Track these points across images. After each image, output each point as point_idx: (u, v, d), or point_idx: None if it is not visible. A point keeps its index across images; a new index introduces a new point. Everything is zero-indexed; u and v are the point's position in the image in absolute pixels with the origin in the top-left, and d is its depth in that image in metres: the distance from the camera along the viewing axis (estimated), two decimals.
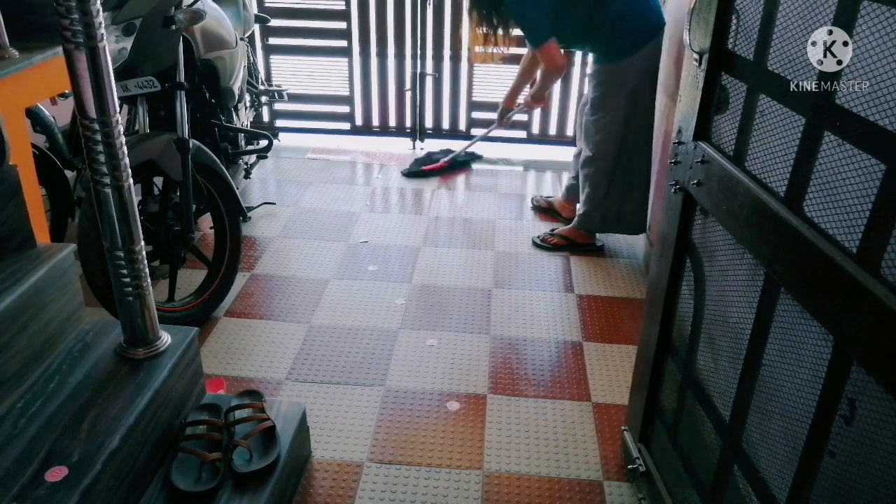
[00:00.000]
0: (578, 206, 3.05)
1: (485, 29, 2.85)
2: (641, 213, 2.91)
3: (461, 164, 3.96)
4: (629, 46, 2.68)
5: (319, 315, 2.57)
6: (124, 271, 1.50)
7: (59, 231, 2.61)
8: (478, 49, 2.96)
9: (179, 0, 2.30)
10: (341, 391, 2.18)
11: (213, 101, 2.82)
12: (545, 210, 3.43)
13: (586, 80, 3.03)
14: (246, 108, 3.38)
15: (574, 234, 3.07)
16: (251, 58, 3.69)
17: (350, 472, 1.88)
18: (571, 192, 3.25)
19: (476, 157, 4.03)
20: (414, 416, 2.09)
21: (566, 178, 3.35)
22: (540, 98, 3.21)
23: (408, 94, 4.17)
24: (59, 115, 2.76)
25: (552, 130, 4.24)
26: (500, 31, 2.86)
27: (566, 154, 4.20)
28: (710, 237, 1.40)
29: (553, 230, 3.15)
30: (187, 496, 1.50)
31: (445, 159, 3.90)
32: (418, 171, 3.85)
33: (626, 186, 2.88)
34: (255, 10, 3.76)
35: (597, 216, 2.96)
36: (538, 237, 3.14)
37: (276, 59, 4.23)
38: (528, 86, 3.34)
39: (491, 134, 3.81)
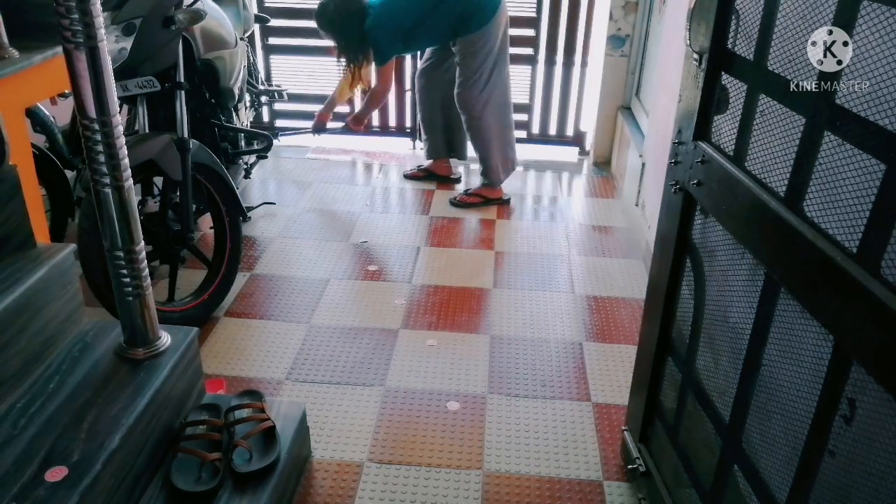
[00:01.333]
0: (479, 162, 3.49)
1: (352, 69, 3.31)
2: (514, 152, 3.54)
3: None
4: (482, 20, 3.15)
5: (319, 315, 2.57)
6: (124, 271, 1.50)
7: (59, 231, 2.61)
8: (346, 91, 3.48)
9: (179, 0, 2.30)
10: (341, 391, 2.18)
11: (213, 101, 2.82)
12: (424, 178, 3.79)
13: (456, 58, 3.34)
14: (246, 108, 3.38)
15: (487, 191, 3.51)
16: (251, 58, 3.69)
17: (350, 472, 1.88)
18: (433, 152, 3.72)
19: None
20: (414, 416, 2.09)
21: (423, 144, 3.77)
22: (361, 121, 3.56)
23: (408, 94, 4.17)
24: (59, 115, 2.76)
25: (552, 130, 4.24)
26: (364, 68, 3.32)
27: (566, 154, 4.22)
28: (710, 237, 1.40)
29: (467, 190, 3.55)
30: (187, 496, 1.50)
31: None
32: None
33: (505, 135, 3.46)
34: (255, 10, 3.76)
35: (497, 168, 3.46)
36: (454, 198, 3.53)
37: (276, 59, 4.23)
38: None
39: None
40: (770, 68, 1.14)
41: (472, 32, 3.19)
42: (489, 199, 3.50)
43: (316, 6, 3.25)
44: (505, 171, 3.52)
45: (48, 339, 1.56)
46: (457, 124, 3.57)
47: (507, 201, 3.53)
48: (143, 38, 2.20)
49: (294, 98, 4.19)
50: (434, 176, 3.78)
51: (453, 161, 3.82)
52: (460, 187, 3.71)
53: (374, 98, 3.44)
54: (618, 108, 3.88)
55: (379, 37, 3.18)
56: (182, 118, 2.33)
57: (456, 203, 3.50)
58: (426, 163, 3.82)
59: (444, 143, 3.69)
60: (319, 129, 3.59)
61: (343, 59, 3.31)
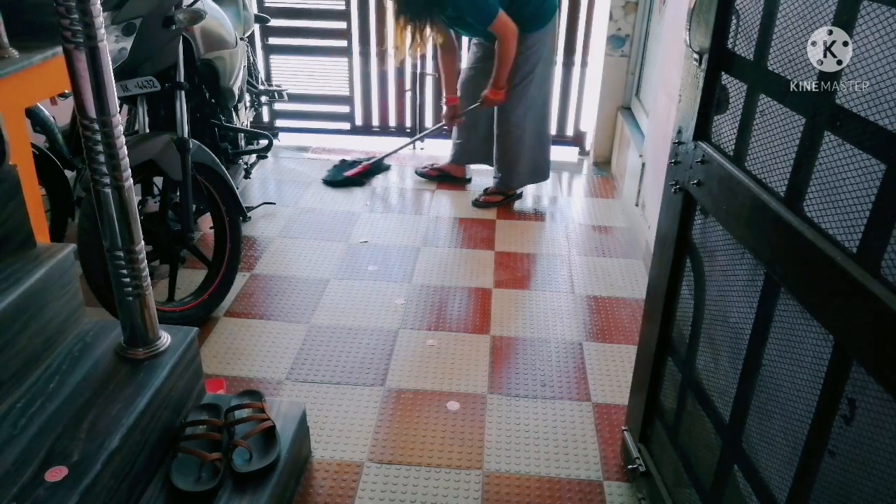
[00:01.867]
0: (496, 168, 3.48)
1: (410, 31, 3.13)
2: (547, 162, 3.54)
3: (379, 169, 3.86)
4: (545, 19, 3.16)
5: (319, 315, 2.57)
6: (124, 271, 1.50)
7: (59, 231, 2.61)
8: (407, 49, 3.24)
9: (179, 0, 2.30)
10: (341, 391, 2.18)
11: (213, 101, 2.82)
12: (436, 177, 3.77)
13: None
14: (246, 108, 3.38)
15: (505, 188, 3.50)
16: (251, 58, 3.69)
17: (350, 472, 1.88)
18: (461, 157, 3.68)
19: (386, 168, 3.92)
20: (414, 416, 2.09)
21: (453, 145, 3.69)
22: (503, 85, 3.22)
23: (408, 94, 4.17)
24: (59, 115, 2.76)
25: (552, 130, 4.23)
26: (426, 32, 3.15)
27: (566, 154, 4.21)
28: (710, 237, 1.40)
29: (486, 189, 3.54)
30: (187, 496, 1.50)
31: (367, 163, 3.81)
32: (342, 179, 3.71)
33: (539, 142, 3.45)
34: (255, 10, 3.76)
35: (522, 172, 3.45)
36: (477, 199, 3.51)
37: (276, 59, 4.23)
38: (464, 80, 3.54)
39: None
40: (770, 68, 1.14)
41: (529, 33, 3.13)
42: (508, 195, 3.50)
43: None
44: (530, 178, 3.51)
45: (48, 339, 1.56)
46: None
47: (520, 195, 3.57)
48: (143, 38, 2.20)
49: (294, 98, 4.19)
50: (445, 176, 3.75)
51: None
52: (471, 187, 3.72)
53: (505, 54, 3.11)
54: (618, 108, 3.88)
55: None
56: (182, 118, 2.33)
57: (479, 204, 3.47)
58: (443, 163, 3.78)
59: (479, 152, 3.59)
60: (456, 115, 3.48)
61: (402, 19, 3.08)
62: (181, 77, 2.38)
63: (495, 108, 3.32)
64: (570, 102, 4.16)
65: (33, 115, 2.59)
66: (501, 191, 3.50)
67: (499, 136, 3.38)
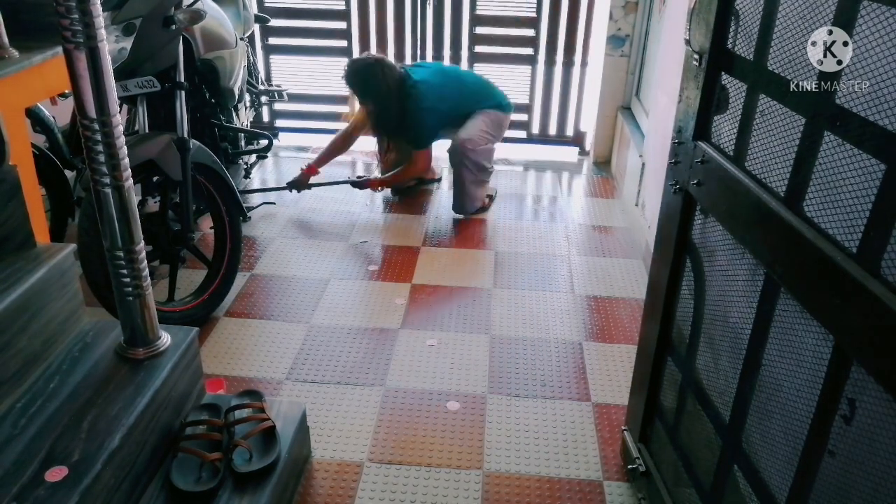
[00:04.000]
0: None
1: (385, 141, 3.43)
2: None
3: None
4: (507, 109, 3.39)
5: (319, 315, 2.57)
6: (124, 271, 1.50)
7: (59, 231, 2.61)
8: (360, 121, 3.41)
9: (179, 0, 2.30)
10: (341, 391, 2.18)
11: (213, 100, 2.82)
12: (413, 187, 3.64)
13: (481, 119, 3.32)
14: (246, 108, 3.38)
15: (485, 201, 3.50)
16: (251, 58, 3.69)
17: (350, 472, 1.88)
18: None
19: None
20: (414, 416, 2.09)
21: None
22: (385, 184, 3.47)
23: None
24: (59, 115, 2.76)
25: (552, 130, 4.24)
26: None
27: (566, 154, 4.22)
28: (710, 237, 1.40)
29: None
30: (187, 496, 1.50)
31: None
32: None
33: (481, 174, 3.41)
34: (255, 10, 3.76)
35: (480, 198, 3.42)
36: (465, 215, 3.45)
37: (276, 59, 4.23)
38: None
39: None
40: (770, 68, 1.14)
41: (504, 112, 3.34)
42: (491, 196, 3.52)
43: (353, 66, 3.14)
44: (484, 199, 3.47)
45: (48, 339, 1.56)
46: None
47: (494, 196, 3.57)
48: (143, 38, 2.20)
49: (294, 98, 4.19)
50: (420, 181, 3.66)
51: (439, 164, 3.77)
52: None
53: (408, 174, 3.41)
54: (618, 108, 3.88)
55: (427, 121, 3.19)
56: (182, 118, 2.33)
57: (468, 215, 3.39)
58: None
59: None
60: (299, 185, 3.36)
61: (376, 127, 3.29)
62: (181, 77, 2.38)
63: (454, 148, 3.23)
64: (570, 102, 4.16)
65: (33, 115, 2.59)
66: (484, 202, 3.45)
67: (454, 173, 3.34)
